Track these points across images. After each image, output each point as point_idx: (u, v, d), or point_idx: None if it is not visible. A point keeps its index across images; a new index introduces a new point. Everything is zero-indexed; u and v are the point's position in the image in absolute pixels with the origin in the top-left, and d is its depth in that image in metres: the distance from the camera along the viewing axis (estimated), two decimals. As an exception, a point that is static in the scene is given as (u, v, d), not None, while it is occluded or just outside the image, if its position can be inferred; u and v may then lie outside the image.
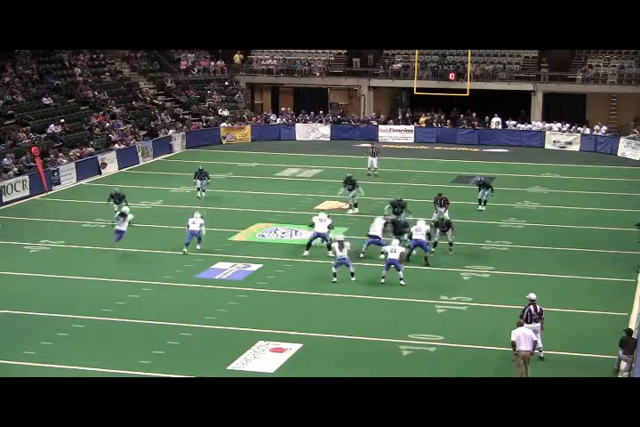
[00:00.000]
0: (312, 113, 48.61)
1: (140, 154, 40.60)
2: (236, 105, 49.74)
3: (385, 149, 41.20)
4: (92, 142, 39.58)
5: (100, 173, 37.44)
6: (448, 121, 47.71)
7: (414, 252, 24.03)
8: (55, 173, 34.82)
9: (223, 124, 46.58)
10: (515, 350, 16.11)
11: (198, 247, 25.22)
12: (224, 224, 28.22)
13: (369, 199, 31.75)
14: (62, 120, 40.13)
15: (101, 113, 43.31)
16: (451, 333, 19.02)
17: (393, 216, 25.76)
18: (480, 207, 30.25)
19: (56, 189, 34.51)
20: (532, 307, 17.52)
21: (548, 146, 45.16)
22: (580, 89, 47.27)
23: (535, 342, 16.53)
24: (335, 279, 22.33)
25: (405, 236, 24.16)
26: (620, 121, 47.00)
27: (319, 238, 24.64)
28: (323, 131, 47.38)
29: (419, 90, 46.28)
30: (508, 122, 46.58)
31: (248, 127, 46.91)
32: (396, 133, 46.79)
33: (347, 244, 22.39)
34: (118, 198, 28.32)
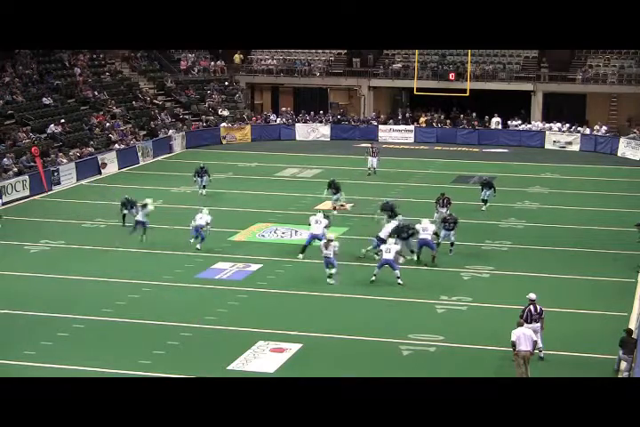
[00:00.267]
0: (312, 113, 48.61)
1: (139, 154, 40.61)
2: (236, 105, 49.74)
3: (385, 149, 41.19)
4: (91, 142, 39.58)
5: (100, 173, 37.45)
6: (448, 121, 47.71)
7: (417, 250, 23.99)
8: (55, 173, 34.83)
9: (223, 124, 46.59)
10: (515, 350, 16.11)
11: (198, 247, 25.26)
12: (224, 224, 28.20)
13: (369, 199, 31.79)
14: (62, 120, 40.14)
15: (101, 113, 43.31)
16: (451, 333, 19.02)
17: (397, 221, 25.18)
18: (483, 207, 30.33)
19: (56, 189, 34.52)
20: (532, 307, 17.52)
21: (548, 146, 45.17)
22: (580, 89, 47.28)
23: (535, 342, 16.53)
24: (333, 277, 22.30)
25: (410, 241, 23.84)
26: (620, 121, 47.06)
27: (316, 240, 24.43)
28: (323, 131, 47.38)
29: (419, 90, 46.29)
30: (510, 122, 46.57)
31: (248, 127, 46.92)
32: (396, 133, 46.80)
33: (334, 243, 22.10)
34: (130, 205, 28.22)
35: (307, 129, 47.49)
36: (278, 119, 48.35)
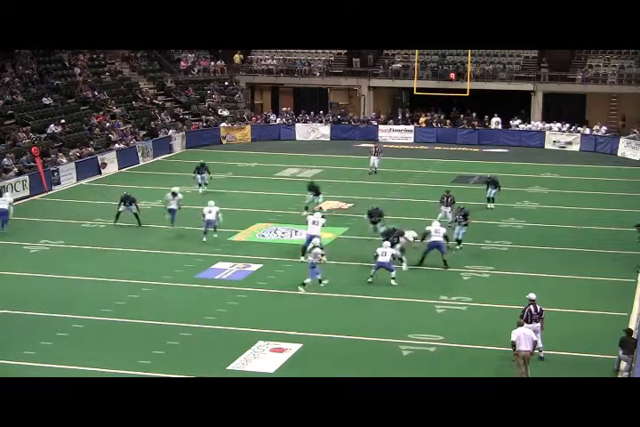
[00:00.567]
0: (312, 113, 48.61)
1: (139, 154, 40.61)
2: (236, 105, 49.74)
3: (385, 149, 41.17)
4: (91, 142, 39.58)
5: (99, 173, 37.45)
6: (448, 121, 47.70)
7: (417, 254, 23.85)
8: (55, 173, 34.83)
9: (223, 124, 46.58)
10: (515, 350, 16.11)
11: (215, 236, 26.01)
12: (224, 224, 28.17)
13: (368, 199, 31.78)
14: (62, 120, 40.14)
15: (101, 113, 43.31)
16: (451, 333, 19.02)
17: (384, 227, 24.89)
18: (490, 206, 30.47)
19: (56, 189, 34.52)
20: (532, 307, 17.52)
21: (547, 146, 45.16)
22: (579, 89, 47.28)
23: (535, 342, 16.53)
24: (324, 282, 21.99)
25: (398, 246, 23.21)
26: (621, 121, 47.06)
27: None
28: (323, 131, 47.38)
29: (419, 90, 46.28)
30: (511, 122, 46.55)
31: (248, 127, 46.91)
32: (395, 133, 46.80)
33: (316, 250, 21.57)
34: (129, 201, 28.27)
35: (307, 129, 47.49)
36: (278, 119, 48.35)
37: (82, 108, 43.47)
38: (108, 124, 42.23)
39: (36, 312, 20.35)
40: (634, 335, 17.24)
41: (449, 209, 27.34)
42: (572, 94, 47.59)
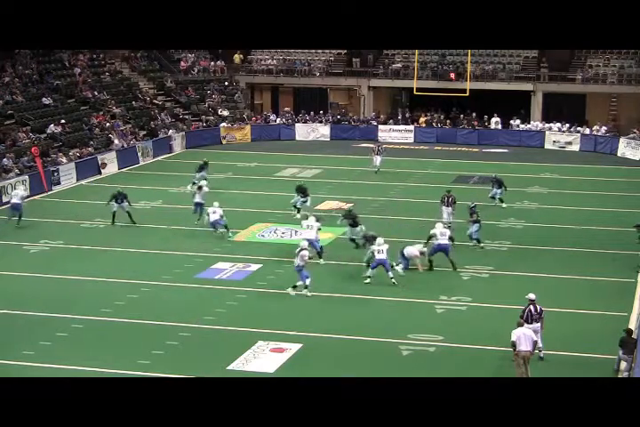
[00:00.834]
0: (312, 113, 48.61)
1: (139, 154, 40.61)
2: (236, 105, 49.74)
3: (385, 149, 41.16)
4: (91, 142, 39.57)
5: (99, 173, 37.45)
6: (448, 121, 47.69)
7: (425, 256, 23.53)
8: (55, 173, 34.83)
9: (223, 124, 46.58)
10: (515, 350, 16.11)
11: (230, 235, 26.58)
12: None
13: (368, 199, 31.84)
14: (62, 120, 40.13)
15: (101, 113, 43.30)
16: (451, 333, 19.01)
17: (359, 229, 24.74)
18: (503, 205, 30.68)
19: (56, 189, 34.51)
20: (531, 307, 17.52)
21: (547, 146, 45.16)
22: (579, 89, 47.27)
23: (535, 342, 16.52)
24: (308, 293, 21.51)
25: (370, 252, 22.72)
26: (620, 121, 47.03)
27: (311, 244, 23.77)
28: (322, 131, 47.37)
29: (419, 90, 46.28)
30: (512, 122, 46.54)
31: (248, 127, 46.91)
32: (395, 133, 46.79)
33: (303, 253, 21.33)
34: (120, 198, 28.35)
35: (306, 129, 47.48)
36: (278, 119, 48.35)
37: (82, 108, 43.46)
38: (107, 124, 42.23)
39: (36, 312, 20.34)
40: (634, 335, 17.23)
41: (450, 209, 27.29)
42: (572, 94, 47.58)
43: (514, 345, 16.09)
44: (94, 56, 48.54)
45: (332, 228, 26.93)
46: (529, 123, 47.02)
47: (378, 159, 37.39)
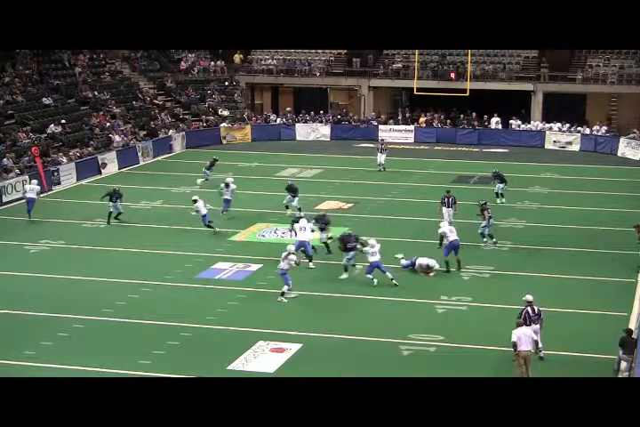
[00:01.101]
0: (312, 113, 48.61)
1: (139, 154, 40.61)
2: (236, 105, 49.74)
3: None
4: (91, 142, 39.58)
5: (100, 173, 37.46)
6: (448, 121, 47.70)
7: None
8: (55, 173, 34.84)
9: (223, 124, 46.59)
10: (516, 350, 16.10)
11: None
12: (224, 224, 28.23)
13: (369, 199, 31.85)
14: (62, 120, 40.13)
15: (101, 113, 43.31)
16: (451, 333, 19.01)
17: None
18: (499, 200, 30.99)
19: (56, 189, 34.52)
20: (529, 309, 17.45)
21: (548, 146, 45.16)
22: (580, 89, 47.28)
23: (536, 342, 16.52)
24: (286, 296, 21.26)
25: (351, 253, 22.71)
26: (620, 121, 47.03)
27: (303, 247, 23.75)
28: (323, 131, 47.38)
29: (419, 90, 46.27)
30: (512, 121, 46.53)
31: (248, 127, 46.91)
32: (395, 133, 46.80)
33: (291, 257, 21.16)
34: (116, 197, 28.48)
35: (307, 129, 47.49)
36: (278, 119, 48.35)
37: (82, 108, 43.47)
38: (108, 124, 42.23)
39: (37, 312, 20.35)
40: (634, 335, 17.23)
41: (451, 211, 27.23)
42: (572, 94, 47.59)
43: (515, 345, 16.08)
44: (94, 56, 48.54)
45: (333, 228, 26.90)
46: (529, 123, 47.01)
47: (382, 157, 37.69)
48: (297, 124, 47.52)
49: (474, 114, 47.19)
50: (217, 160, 35.00)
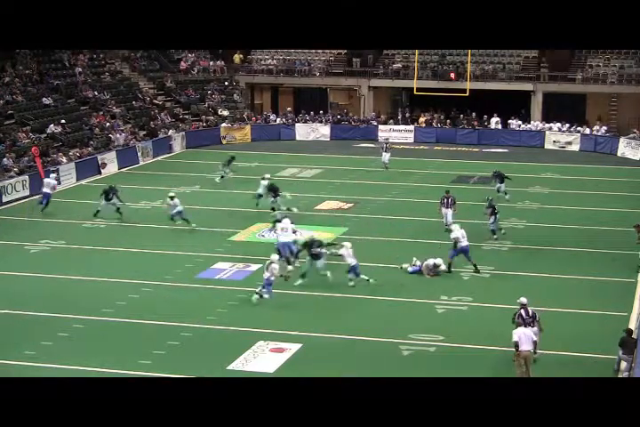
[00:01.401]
0: (312, 113, 48.60)
1: (139, 154, 40.60)
2: (236, 105, 49.73)
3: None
4: (91, 142, 39.58)
5: (99, 173, 37.45)
6: (448, 121, 47.69)
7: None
8: (55, 173, 34.75)
9: (223, 124, 46.58)
10: (517, 350, 16.09)
11: (194, 226, 27.32)
12: (224, 224, 28.23)
13: (369, 199, 31.85)
14: (62, 120, 40.12)
15: (101, 113, 43.30)
16: (451, 333, 19.01)
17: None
18: (506, 197, 31.34)
19: (56, 188, 34.44)
20: (522, 311, 17.32)
21: (547, 146, 45.16)
22: (580, 89, 47.27)
23: (535, 343, 16.51)
24: (256, 296, 21.07)
25: (320, 262, 22.23)
26: (620, 121, 47.02)
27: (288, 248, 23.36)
28: (323, 131, 47.37)
29: (419, 90, 46.27)
30: (512, 121, 46.52)
31: (248, 127, 46.91)
32: (395, 133, 46.78)
33: (273, 265, 20.91)
34: (112, 193, 28.77)
35: (307, 129, 47.48)
36: (278, 119, 48.34)
37: (82, 108, 43.47)
38: (107, 124, 42.23)
39: (37, 312, 20.35)
40: (634, 335, 17.23)
41: (450, 211, 27.20)
42: (572, 94, 47.58)
43: (516, 345, 16.07)
44: (94, 56, 48.53)
45: (333, 228, 26.96)
46: (529, 123, 47.01)
47: (387, 156, 38.03)
48: (297, 125, 47.51)
49: (474, 114, 47.19)
50: (234, 158, 35.32)
